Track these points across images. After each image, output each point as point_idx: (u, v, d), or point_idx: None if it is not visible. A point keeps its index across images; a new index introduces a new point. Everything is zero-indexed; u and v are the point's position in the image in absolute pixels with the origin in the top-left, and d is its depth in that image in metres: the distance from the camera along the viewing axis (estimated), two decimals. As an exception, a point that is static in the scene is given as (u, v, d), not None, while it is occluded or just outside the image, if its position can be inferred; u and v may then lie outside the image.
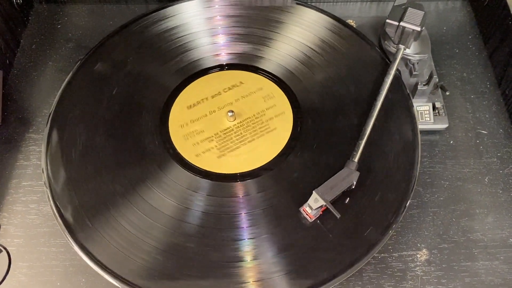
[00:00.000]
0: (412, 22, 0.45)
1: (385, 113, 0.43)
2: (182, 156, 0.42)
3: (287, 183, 0.41)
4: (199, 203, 0.40)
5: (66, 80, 0.46)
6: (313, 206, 0.38)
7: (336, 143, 0.42)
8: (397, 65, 0.44)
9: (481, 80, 0.51)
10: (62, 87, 0.45)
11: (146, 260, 0.37)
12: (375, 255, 0.39)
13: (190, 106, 0.45)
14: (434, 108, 0.47)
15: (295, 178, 0.41)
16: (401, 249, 0.41)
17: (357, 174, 0.39)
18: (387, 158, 0.41)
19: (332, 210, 0.37)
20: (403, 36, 0.46)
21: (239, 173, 0.41)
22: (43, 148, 0.42)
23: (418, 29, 0.45)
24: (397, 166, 0.41)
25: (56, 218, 0.39)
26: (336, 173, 0.39)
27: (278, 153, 0.42)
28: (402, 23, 0.46)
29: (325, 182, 0.38)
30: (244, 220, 0.39)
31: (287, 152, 0.42)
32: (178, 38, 0.48)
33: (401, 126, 0.43)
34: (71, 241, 0.38)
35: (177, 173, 0.41)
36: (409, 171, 0.40)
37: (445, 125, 0.46)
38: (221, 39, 0.48)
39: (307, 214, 0.38)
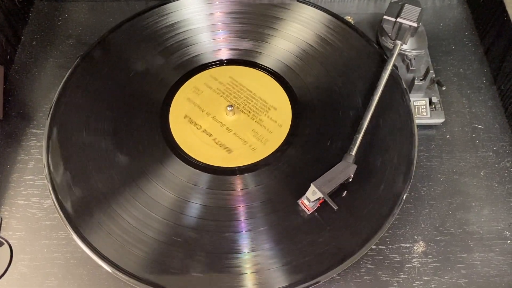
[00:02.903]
0: (409, 18, 0.46)
1: (382, 108, 0.43)
2: (182, 150, 0.43)
3: (285, 176, 0.41)
4: (198, 196, 0.40)
5: (67, 75, 0.46)
6: (311, 199, 0.38)
7: (333, 137, 0.43)
8: (394, 60, 0.45)
9: (477, 75, 0.51)
10: (63, 82, 0.46)
11: (146, 252, 0.38)
12: (373, 247, 0.40)
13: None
14: (430, 103, 0.47)
15: (293, 171, 0.41)
16: (398, 241, 0.42)
17: (354, 167, 0.39)
18: (384, 151, 0.42)
19: (329, 202, 0.38)
20: (400, 32, 0.46)
21: (238, 166, 0.42)
22: (44, 143, 0.42)
23: (415, 25, 0.46)
24: (394, 159, 0.41)
25: (58, 211, 0.39)
26: (334, 166, 0.39)
27: (277, 147, 0.43)
28: (399, 19, 0.46)
29: (323, 175, 0.39)
30: (242, 213, 0.39)
31: (285, 146, 0.43)
32: (178, 34, 0.49)
33: (398, 121, 0.43)
34: (73, 234, 0.38)
35: (177, 167, 0.42)
36: (406, 164, 0.41)
37: (441, 120, 0.47)
38: (221, 35, 0.49)
39: (305, 207, 0.39)
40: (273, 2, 0.50)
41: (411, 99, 0.46)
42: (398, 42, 0.46)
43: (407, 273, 0.40)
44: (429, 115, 0.47)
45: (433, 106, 0.47)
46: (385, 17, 0.47)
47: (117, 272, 0.37)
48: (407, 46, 0.48)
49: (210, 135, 0.44)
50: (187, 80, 0.46)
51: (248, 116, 0.45)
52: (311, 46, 0.48)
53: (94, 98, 0.45)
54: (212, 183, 0.41)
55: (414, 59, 0.48)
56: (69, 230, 0.38)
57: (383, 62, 0.46)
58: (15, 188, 0.44)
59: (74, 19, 0.56)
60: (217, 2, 0.50)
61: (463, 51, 0.53)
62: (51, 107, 0.44)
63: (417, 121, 0.45)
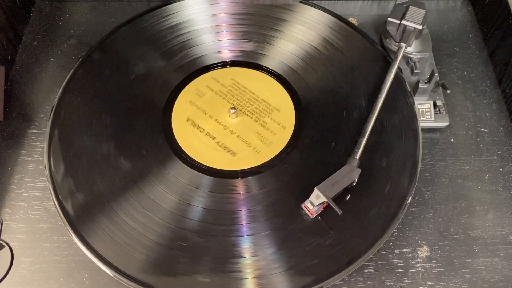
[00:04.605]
0: (413, 21, 0.46)
1: (387, 111, 0.43)
2: (185, 153, 0.42)
3: (288, 180, 0.41)
4: (200, 199, 0.40)
5: (68, 76, 0.46)
6: (314, 203, 0.38)
7: (337, 141, 0.43)
8: (399, 63, 0.44)
9: (482, 78, 0.51)
10: (64, 83, 0.45)
11: (148, 255, 0.37)
12: (376, 251, 0.39)
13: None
14: (435, 106, 0.47)
15: (296, 175, 0.41)
16: (402, 245, 0.41)
17: (359, 171, 0.39)
18: (388, 155, 0.42)
19: (333, 207, 0.37)
20: (405, 35, 0.46)
21: (241, 170, 0.41)
22: (45, 144, 0.42)
23: (420, 27, 0.45)
24: (398, 163, 0.41)
25: (59, 214, 0.39)
26: (338, 170, 0.39)
27: (280, 150, 0.42)
28: (403, 22, 0.46)
29: (327, 179, 0.39)
30: (244, 216, 0.39)
31: (289, 149, 0.42)
32: (180, 35, 0.48)
33: (402, 124, 0.43)
34: (74, 237, 0.38)
35: (180, 170, 0.41)
36: (410, 168, 0.41)
37: (446, 123, 0.47)
38: (224, 36, 0.48)
39: (308, 211, 0.39)
40: (276, 3, 0.50)
41: (416, 102, 0.45)
42: (403, 45, 0.45)
43: (411, 278, 0.40)
44: (433, 118, 0.46)
45: (438, 109, 0.47)
46: (389, 19, 0.47)
47: (118, 276, 0.36)
48: (412, 49, 0.48)
49: (213, 138, 0.43)
50: (189, 82, 0.46)
51: (251, 118, 0.44)
52: (315, 48, 0.48)
53: (95, 99, 0.45)
54: (214, 186, 0.41)
55: (419, 61, 0.48)
56: (70, 233, 0.38)
57: (387, 65, 0.46)
58: (16, 190, 0.44)
59: (75, 19, 0.55)
60: (220, 3, 0.50)
61: (467, 53, 0.53)
62: (52, 108, 0.44)
63: (421, 124, 0.45)
